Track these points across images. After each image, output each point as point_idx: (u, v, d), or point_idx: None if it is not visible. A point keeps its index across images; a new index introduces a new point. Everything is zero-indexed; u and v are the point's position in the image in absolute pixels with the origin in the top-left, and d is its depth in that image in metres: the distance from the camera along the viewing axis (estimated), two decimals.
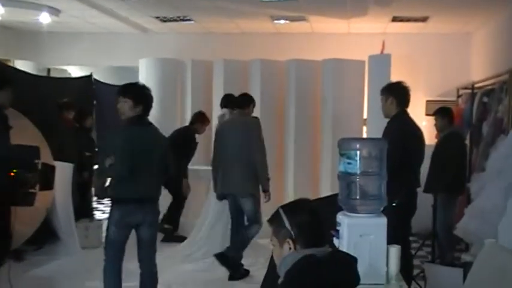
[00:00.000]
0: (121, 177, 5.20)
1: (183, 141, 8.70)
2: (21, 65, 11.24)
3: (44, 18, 10.16)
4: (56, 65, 12.64)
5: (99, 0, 9.39)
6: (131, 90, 5.21)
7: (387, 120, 5.59)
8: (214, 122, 9.02)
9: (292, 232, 2.91)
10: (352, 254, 3.58)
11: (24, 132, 6.14)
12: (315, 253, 2.79)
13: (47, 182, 6.90)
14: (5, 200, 5.63)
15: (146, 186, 5.08)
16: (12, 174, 5.62)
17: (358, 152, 3.95)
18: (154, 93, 10.32)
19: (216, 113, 9.42)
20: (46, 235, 7.93)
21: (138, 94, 5.18)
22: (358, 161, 3.94)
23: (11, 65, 10.48)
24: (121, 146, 5.06)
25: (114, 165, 5.05)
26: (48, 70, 12.48)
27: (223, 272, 6.72)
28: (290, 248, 2.91)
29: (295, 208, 3.07)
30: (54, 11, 9.95)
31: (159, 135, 5.28)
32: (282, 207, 3.05)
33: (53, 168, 6.42)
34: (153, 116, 10.18)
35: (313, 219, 2.98)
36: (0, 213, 5.58)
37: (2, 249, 5.83)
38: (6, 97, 5.61)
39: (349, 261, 2.83)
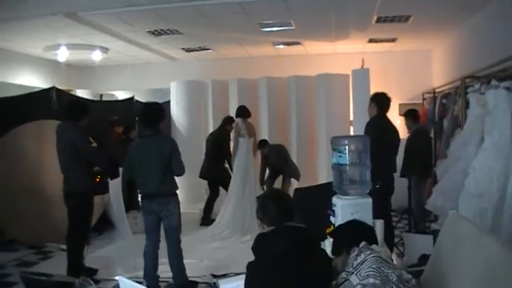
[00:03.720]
0: (125, 177, 5.40)
1: (222, 140, 8.72)
2: (80, 92, 11.39)
3: (96, 55, 10.30)
4: (106, 91, 12.69)
5: (137, 38, 9.47)
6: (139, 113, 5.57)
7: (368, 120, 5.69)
8: None
9: (260, 214, 3.05)
10: None
11: None
12: (275, 228, 2.91)
13: (114, 173, 7.09)
14: (91, 199, 5.78)
15: (151, 184, 5.11)
16: (97, 180, 5.83)
17: (347, 147, 4.01)
18: (183, 108, 10.54)
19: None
20: (105, 224, 8.09)
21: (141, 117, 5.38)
22: (347, 154, 4.00)
23: (73, 93, 10.58)
24: (128, 154, 5.23)
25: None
26: (101, 95, 12.53)
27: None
28: (259, 226, 3.09)
29: (262, 196, 3.21)
30: (103, 49, 10.07)
31: (163, 143, 5.19)
32: (257, 196, 3.21)
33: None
34: (181, 125, 10.37)
35: (273, 203, 3.07)
36: (88, 209, 5.74)
37: (87, 233, 6.02)
38: (86, 121, 5.74)
39: (300, 233, 2.91)
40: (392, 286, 2.65)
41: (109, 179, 6.62)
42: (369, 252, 2.83)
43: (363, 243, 2.93)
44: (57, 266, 5.90)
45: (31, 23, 7.86)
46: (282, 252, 2.76)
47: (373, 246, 2.97)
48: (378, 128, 5.46)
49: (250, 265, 2.86)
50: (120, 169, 6.23)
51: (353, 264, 2.82)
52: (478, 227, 3.32)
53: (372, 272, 2.69)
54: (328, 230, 3.83)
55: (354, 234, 3.10)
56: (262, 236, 2.92)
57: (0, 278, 5.95)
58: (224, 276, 5.68)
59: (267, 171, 8.92)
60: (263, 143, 8.78)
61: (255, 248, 2.90)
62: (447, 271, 3.11)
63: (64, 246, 6.04)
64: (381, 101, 5.69)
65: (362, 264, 2.76)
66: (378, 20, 8.30)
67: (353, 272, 2.79)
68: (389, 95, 5.80)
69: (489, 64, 5.79)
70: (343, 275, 2.84)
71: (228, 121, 8.74)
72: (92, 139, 6.54)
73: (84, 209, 5.62)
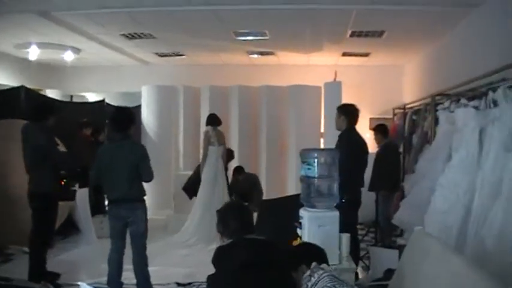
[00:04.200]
0: (92, 182, 5.35)
1: None
2: (50, 92, 11.21)
3: (68, 56, 10.17)
4: (76, 92, 12.55)
5: (110, 40, 9.39)
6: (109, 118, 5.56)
7: (338, 132, 5.66)
8: (201, 137, 9.01)
9: (220, 228, 3.08)
10: (311, 241, 3.67)
11: None
12: (234, 241, 2.92)
13: (84, 182, 6.98)
14: (55, 201, 5.70)
15: (119, 189, 5.04)
16: (62, 182, 5.74)
17: (316, 160, 4.03)
18: (154, 112, 10.48)
19: (202, 128, 9.42)
20: (70, 227, 7.95)
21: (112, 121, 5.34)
22: (315, 167, 4.01)
23: (43, 93, 10.42)
24: (97, 158, 5.16)
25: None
26: (71, 96, 12.39)
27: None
28: (220, 239, 3.16)
29: (222, 209, 3.21)
30: (75, 50, 9.95)
31: (132, 148, 5.15)
32: (217, 210, 3.20)
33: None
34: (151, 129, 10.31)
35: (233, 217, 3.07)
36: (52, 211, 5.65)
37: (50, 236, 5.94)
38: (52, 121, 5.64)
39: (260, 245, 2.95)
40: None
41: (77, 187, 6.52)
42: (321, 272, 2.85)
43: (313, 264, 2.94)
44: (18, 269, 5.80)
45: (2, 19, 7.72)
46: (242, 264, 2.76)
47: (323, 265, 2.98)
48: (350, 141, 5.46)
49: (210, 278, 2.85)
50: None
51: (307, 285, 2.82)
52: (443, 243, 3.36)
53: None
54: (295, 242, 3.84)
55: (308, 254, 3.11)
56: (222, 249, 2.93)
57: None
58: (189, 284, 5.64)
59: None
60: (239, 170, 8.79)
61: (215, 261, 2.90)
62: (411, 286, 3.14)
63: (27, 249, 5.93)
64: (351, 113, 5.65)
65: (317, 284, 2.78)
66: (352, 34, 8.40)
67: None
68: (361, 108, 5.80)
69: (459, 82, 5.88)
70: None
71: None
72: (59, 140, 6.46)
73: (47, 211, 5.53)
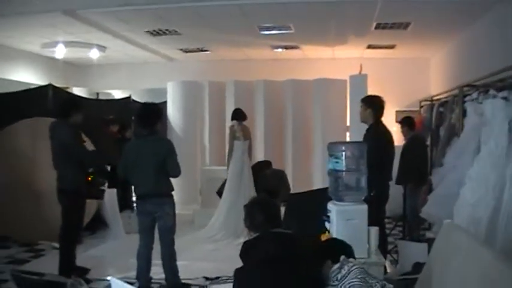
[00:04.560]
0: (120, 178, 5.42)
1: None
2: (77, 90, 11.34)
3: (94, 53, 10.30)
4: (103, 90, 12.67)
5: (135, 37, 9.46)
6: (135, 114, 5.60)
7: (365, 126, 5.55)
8: (227, 132, 9.02)
9: (247, 222, 3.07)
10: (340, 235, 3.65)
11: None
12: (259, 235, 2.91)
13: (113, 182, 7.02)
14: (83, 198, 5.74)
15: (147, 184, 5.09)
16: (89, 179, 5.77)
17: (343, 153, 4.00)
18: (179, 108, 10.53)
19: (227, 123, 9.44)
20: (98, 223, 8.05)
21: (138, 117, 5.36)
22: (343, 160, 3.99)
23: (70, 91, 10.54)
24: (124, 154, 5.20)
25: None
26: (97, 94, 12.52)
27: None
28: (248, 233, 3.17)
29: (248, 204, 3.21)
30: (101, 47, 10.07)
31: (159, 144, 5.19)
32: (244, 205, 3.21)
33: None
34: (177, 125, 10.37)
35: (259, 211, 3.07)
36: (79, 208, 5.70)
37: (79, 232, 6.01)
38: (79, 118, 5.70)
39: (286, 239, 2.94)
40: None
41: (106, 187, 6.58)
42: (351, 264, 2.85)
43: (343, 257, 2.93)
44: (49, 264, 5.86)
45: (29, 20, 7.84)
46: (268, 258, 2.76)
47: (351, 259, 2.98)
48: (377, 134, 5.38)
49: (237, 272, 2.86)
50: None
51: (337, 277, 2.82)
52: (473, 237, 3.32)
53: (357, 282, 2.72)
54: (323, 236, 3.83)
55: (334, 249, 3.10)
56: (248, 243, 2.94)
57: None
58: (217, 279, 5.67)
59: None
60: (267, 165, 8.77)
61: (242, 255, 2.91)
62: (441, 280, 3.11)
63: (57, 245, 6.01)
64: (377, 105, 5.51)
65: (347, 276, 2.78)
66: (377, 27, 8.32)
67: (338, 285, 2.79)
68: (386, 101, 5.69)
69: (487, 73, 5.79)
70: None
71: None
72: (86, 137, 6.53)
73: (75, 207, 5.59)
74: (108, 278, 5.42)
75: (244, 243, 2.98)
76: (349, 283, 2.74)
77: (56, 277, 5.30)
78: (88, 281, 5.51)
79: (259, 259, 2.80)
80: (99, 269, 6.09)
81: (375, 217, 4.17)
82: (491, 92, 5.29)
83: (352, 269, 2.81)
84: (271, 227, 2.98)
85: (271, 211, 3.11)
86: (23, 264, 6.42)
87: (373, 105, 5.52)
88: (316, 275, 2.87)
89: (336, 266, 2.88)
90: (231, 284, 2.92)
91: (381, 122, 5.49)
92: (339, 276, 2.82)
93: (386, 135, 5.46)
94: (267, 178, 8.38)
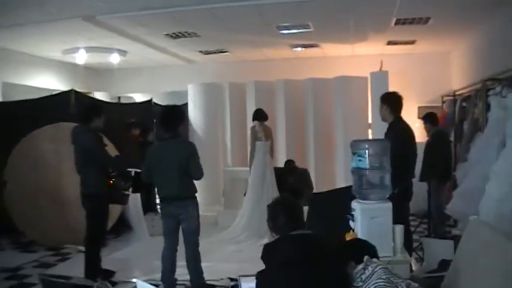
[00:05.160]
0: (144, 180, 5.45)
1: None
2: (98, 95, 11.47)
3: (114, 58, 10.40)
4: (124, 94, 12.80)
5: (155, 41, 9.52)
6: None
7: (386, 123, 5.46)
8: (248, 132, 9.02)
9: (270, 223, 3.07)
10: (364, 233, 3.63)
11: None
12: (279, 237, 2.90)
13: (137, 186, 7.08)
14: (106, 202, 5.76)
15: (170, 187, 5.10)
16: (111, 182, 5.79)
17: (367, 151, 3.97)
18: (201, 110, 10.57)
19: (249, 124, 9.43)
20: (122, 226, 8.11)
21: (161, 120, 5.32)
22: (367, 158, 3.96)
23: (91, 95, 10.64)
24: (147, 157, 5.23)
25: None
26: (119, 98, 12.64)
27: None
28: (270, 234, 3.15)
29: (271, 205, 3.18)
30: (121, 52, 10.17)
31: (182, 146, 5.19)
32: (268, 205, 3.18)
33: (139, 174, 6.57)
34: (199, 127, 10.40)
35: (282, 212, 3.04)
36: (102, 211, 5.73)
37: (103, 235, 6.02)
38: (101, 122, 5.74)
39: (308, 240, 2.90)
40: None
41: (130, 191, 6.62)
42: (375, 265, 2.83)
43: (366, 257, 2.91)
44: (75, 267, 5.93)
45: (50, 27, 7.93)
46: (288, 260, 2.74)
47: (375, 259, 2.95)
48: (398, 132, 5.30)
49: (258, 274, 2.85)
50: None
51: (361, 278, 2.81)
52: (500, 233, 3.26)
53: (382, 283, 2.71)
54: (347, 235, 3.80)
55: (358, 250, 3.07)
56: (269, 246, 2.93)
57: (20, 279, 6.01)
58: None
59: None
60: (290, 164, 8.75)
61: (263, 257, 2.90)
62: (469, 277, 3.07)
63: (82, 248, 6.07)
64: (393, 102, 5.40)
65: (371, 276, 2.76)
66: (397, 22, 8.25)
67: (362, 286, 2.77)
68: (408, 97, 5.63)
69: (511, 66, 5.71)
70: None
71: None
72: (108, 141, 6.58)
73: (98, 211, 5.63)
74: (134, 280, 5.46)
75: (265, 246, 2.96)
76: (374, 284, 2.72)
77: (83, 280, 5.36)
78: (114, 284, 5.56)
79: (280, 262, 2.78)
80: (125, 271, 6.13)
81: (400, 215, 4.13)
82: None
83: (377, 269, 2.78)
84: (294, 228, 2.95)
85: (294, 212, 3.08)
86: (50, 267, 6.49)
87: (389, 101, 5.42)
88: (340, 276, 2.84)
89: (360, 266, 2.86)
90: None
91: (400, 118, 5.37)
92: (363, 277, 2.80)
93: (408, 132, 5.37)
94: (292, 181, 8.36)
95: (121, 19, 7.80)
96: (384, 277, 2.73)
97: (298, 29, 8.75)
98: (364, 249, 3.06)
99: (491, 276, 2.79)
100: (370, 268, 2.81)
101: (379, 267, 2.79)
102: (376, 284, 2.71)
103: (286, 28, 8.69)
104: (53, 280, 5.14)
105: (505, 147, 5.07)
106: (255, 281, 2.88)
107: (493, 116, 5.77)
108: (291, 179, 8.40)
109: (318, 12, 7.73)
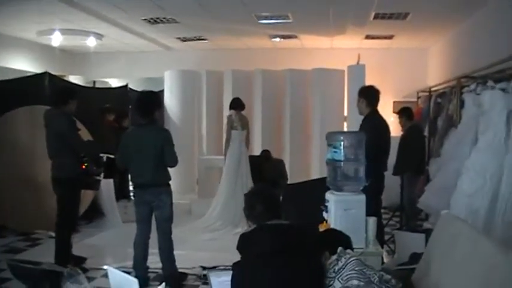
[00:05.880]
0: (119, 166, 5.48)
1: None
2: (73, 78, 11.30)
3: (91, 41, 10.27)
4: (99, 78, 12.65)
5: (133, 26, 9.41)
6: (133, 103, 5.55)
7: (362, 116, 5.50)
8: (224, 121, 9.00)
9: (246, 212, 3.08)
10: (338, 224, 3.65)
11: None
12: (256, 227, 2.89)
13: (110, 172, 6.98)
14: (78, 187, 5.69)
15: (144, 174, 5.06)
16: (83, 167, 5.71)
17: (342, 143, 3.99)
18: (177, 97, 10.50)
19: (225, 113, 9.39)
20: (95, 212, 8.03)
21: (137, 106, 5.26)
22: (342, 150, 3.98)
23: (66, 79, 10.49)
24: (122, 142, 5.19)
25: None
26: (94, 82, 12.49)
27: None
28: (247, 223, 3.21)
29: (248, 193, 3.19)
30: (98, 35, 10.02)
31: (157, 133, 5.14)
32: (244, 194, 3.19)
33: (112, 160, 6.50)
34: (174, 114, 10.34)
35: (259, 201, 3.04)
36: (74, 196, 5.66)
37: (75, 221, 5.96)
38: (74, 106, 5.65)
39: (285, 230, 2.91)
40: (374, 287, 2.70)
41: (102, 177, 6.54)
42: (349, 256, 2.84)
43: (340, 248, 2.92)
44: (45, 253, 5.86)
45: (25, 7, 7.77)
46: (265, 250, 2.74)
47: (348, 251, 2.97)
48: (372, 125, 5.32)
49: (234, 266, 2.84)
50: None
51: (334, 269, 2.82)
52: (472, 227, 3.31)
53: (354, 274, 2.72)
54: (321, 226, 3.82)
55: (332, 240, 3.09)
56: (245, 236, 2.92)
57: None
58: (214, 268, 5.66)
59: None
60: (266, 155, 8.75)
61: (239, 248, 2.89)
62: (440, 270, 3.11)
63: (53, 234, 6.00)
64: (371, 95, 5.45)
65: (344, 268, 2.77)
66: (376, 17, 8.29)
67: (335, 277, 2.78)
68: (384, 92, 5.65)
69: (486, 65, 5.78)
70: (326, 281, 2.83)
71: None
72: (82, 126, 6.50)
73: (70, 196, 5.56)
74: (105, 267, 5.39)
75: (241, 235, 2.95)
76: (346, 275, 2.74)
77: (53, 266, 5.28)
78: (85, 270, 5.48)
79: (256, 253, 2.78)
80: (96, 258, 6.07)
81: (371, 207, 4.16)
82: (490, 83, 5.28)
83: (349, 261, 2.80)
84: (271, 218, 2.95)
85: (271, 202, 3.08)
86: (20, 253, 6.40)
87: (366, 95, 5.47)
88: (315, 267, 2.85)
89: (334, 257, 2.88)
90: (229, 271, 2.90)
91: (376, 111, 5.43)
92: (336, 268, 2.81)
93: (382, 125, 5.42)
94: (267, 171, 8.37)
95: (98, 1, 7.67)
96: (356, 269, 2.74)
97: (278, 19, 8.73)
98: (339, 240, 3.08)
99: (462, 269, 2.83)
100: (343, 259, 2.82)
101: (352, 259, 2.81)
102: (349, 276, 2.72)
103: (266, 18, 8.67)
104: (21, 266, 5.06)
105: (478, 143, 5.14)
106: (224, 275, 2.87)
107: (467, 113, 5.84)
108: (265, 167, 8.40)
109: (297, 4, 7.72)
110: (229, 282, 2.83)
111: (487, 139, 4.99)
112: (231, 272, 2.89)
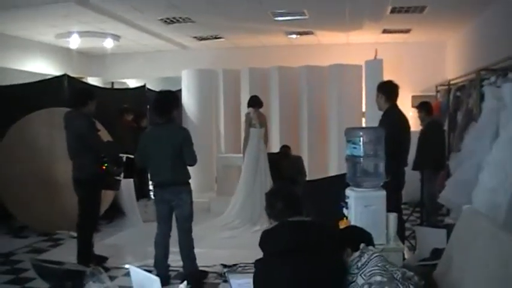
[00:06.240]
0: (138, 166, 5.56)
1: None
2: (91, 80, 11.42)
3: (108, 43, 10.33)
4: (117, 79, 12.74)
5: (149, 26, 9.45)
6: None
7: (380, 112, 5.46)
8: (242, 119, 9.00)
9: (268, 210, 3.11)
10: (358, 221, 3.63)
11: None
12: (277, 224, 2.93)
13: (130, 172, 7.01)
14: (98, 187, 5.74)
15: (163, 173, 5.09)
16: (103, 167, 5.75)
17: (361, 138, 3.97)
18: (194, 96, 10.52)
19: (243, 111, 9.41)
20: (115, 212, 8.11)
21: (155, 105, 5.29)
22: (361, 146, 3.95)
23: (85, 81, 10.58)
24: (140, 142, 5.23)
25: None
26: (112, 83, 12.58)
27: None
28: (268, 221, 3.16)
29: (269, 192, 3.19)
30: (115, 37, 10.08)
31: (176, 132, 5.16)
32: (266, 193, 3.22)
33: (132, 160, 6.54)
34: (192, 113, 10.36)
35: (279, 199, 3.04)
36: (95, 197, 5.71)
37: (96, 221, 6.04)
38: (93, 107, 5.70)
39: (306, 227, 2.91)
40: (397, 283, 2.69)
41: (122, 177, 6.58)
42: (371, 252, 2.83)
43: (362, 245, 2.92)
44: (67, 253, 5.92)
45: (43, 10, 7.84)
46: (287, 247, 2.75)
47: (370, 247, 2.96)
48: (391, 120, 5.29)
49: (257, 263, 2.86)
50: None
51: (357, 265, 2.81)
52: (493, 222, 3.28)
53: (377, 270, 2.71)
54: (341, 222, 3.81)
55: (353, 237, 3.08)
56: (267, 233, 2.93)
57: (12, 264, 5.99)
58: (234, 266, 5.68)
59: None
60: (286, 150, 8.76)
61: (261, 245, 2.90)
62: (462, 266, 3.08)
63: (74, 234, 6.07)
64: (389, 90, 5.41)
65: (367, 264, 2.76)
66: (393, 11, 8.23)
67: (358, 273, 2.78)
68: (402, 86, 5.59)
69: (505, 56, 5.70)
70: (349, 277, 2.83)
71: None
72: (101, 127, 6.54)
73: (91, 196, 5.61)
74: (127, 266, 5.46)
75: (263, 232, 2.96)
76: (369, 271, 2.73)
77: (75, 266, 5.34)
78: (106, 269, 5.53)
79: (278, 250, 2.78)
80: (117, 257, 6.14)
81: (391, 203, 4.13)
82: (510, 75, 5.22)
83: (372, 257, 2.79)
84: (292, 215, 2.96)
85: (291, 199, 3.08)
86: (42, 253, 6.48)
87: (385, 90, 5.43)
88: (337, 263, 2.85)
89: (356, 254, 2.87)
90: (248, 273, 2.91)
91: (395, 106, 5.39)
92: (359, 264, 2.80)
93: (401, 120, 5.37)
94: (286, 169, 8.35)
95: (115, 3, 7.73)
96: (379, 265, 2.74)
97: (294, 16, 8.71)
98: (361, 237, 3.07)
99: (485, 265, 2.81)
100: (365, 256, 2.82)
101: (375, 255, 2.80)
102: (372, 272, 2.71)
103: (282, 15, 8.65)
104: (45, 265, 5.12)
105: (499, 137, 5.08)
106: (243, 277, 2.88)
107: (487, 106, 5.77)
108: (284, 164, 8.39)
109: (313, 0, 7.69)
110: (248, 285, 2.84)
111: (508, 133, 4.92)
112: (250, 275, 2.90)
